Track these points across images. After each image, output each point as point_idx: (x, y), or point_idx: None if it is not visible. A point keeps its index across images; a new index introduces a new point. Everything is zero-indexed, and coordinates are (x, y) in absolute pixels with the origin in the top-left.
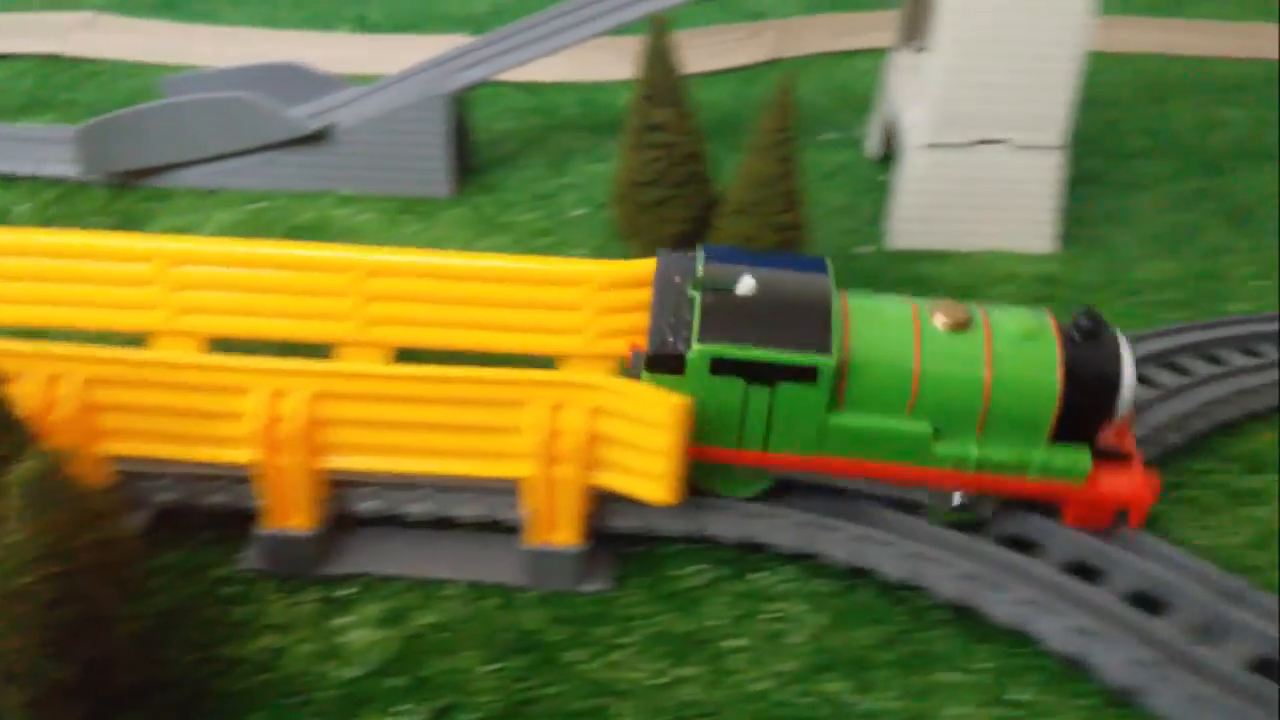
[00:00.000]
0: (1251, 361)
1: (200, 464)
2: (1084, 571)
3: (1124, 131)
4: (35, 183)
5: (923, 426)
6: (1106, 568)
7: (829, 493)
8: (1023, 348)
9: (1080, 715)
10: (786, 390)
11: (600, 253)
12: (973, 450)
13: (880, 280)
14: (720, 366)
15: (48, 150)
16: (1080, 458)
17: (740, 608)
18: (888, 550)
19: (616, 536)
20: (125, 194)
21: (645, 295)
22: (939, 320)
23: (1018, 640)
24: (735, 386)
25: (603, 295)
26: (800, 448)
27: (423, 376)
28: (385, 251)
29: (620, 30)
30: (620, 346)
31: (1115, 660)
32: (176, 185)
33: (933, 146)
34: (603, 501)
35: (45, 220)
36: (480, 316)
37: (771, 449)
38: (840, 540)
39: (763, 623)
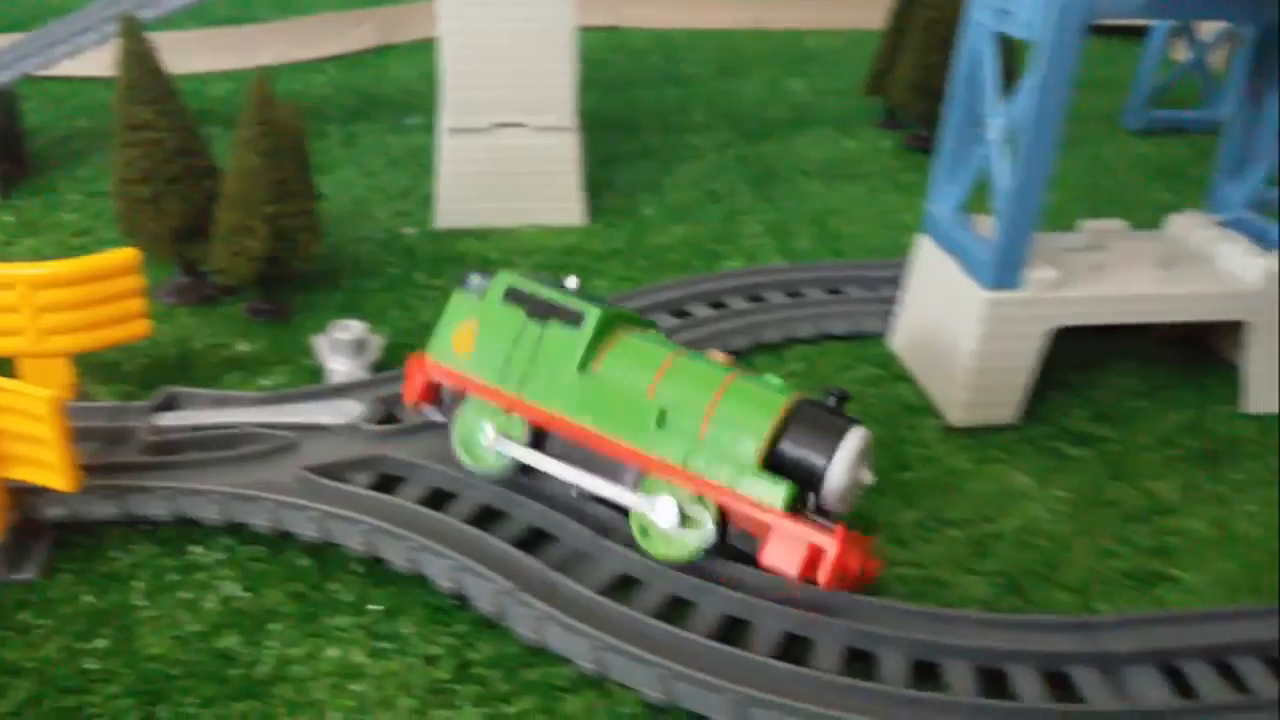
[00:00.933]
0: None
1: None
2: (490, 515)
3: (692, 107)
4: None
5: (652, 407)
6: (508, 509)
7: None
8: (761, 386)
9: (451, 640)
10: (555, 332)
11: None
12: (688, 449)
13: (418, 257)
14: (511, 295)
15: None
16: (778, 489)
17: (164, 581)
18: (303, 514)
19: (52, 526)
20: None
21: (84, 293)
22: (711, 352)
23: (415, 583)
24: (515, 317)
25: (38, 295)
26: (548, 399)
27: None
28: None
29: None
30: (66, 343)
31: (484, 591)
32: None
33: (454, 131)
34: (28, 493)
35: None
36: None
37: (526, 394)
38: (263, 509)
39: (181, 593)
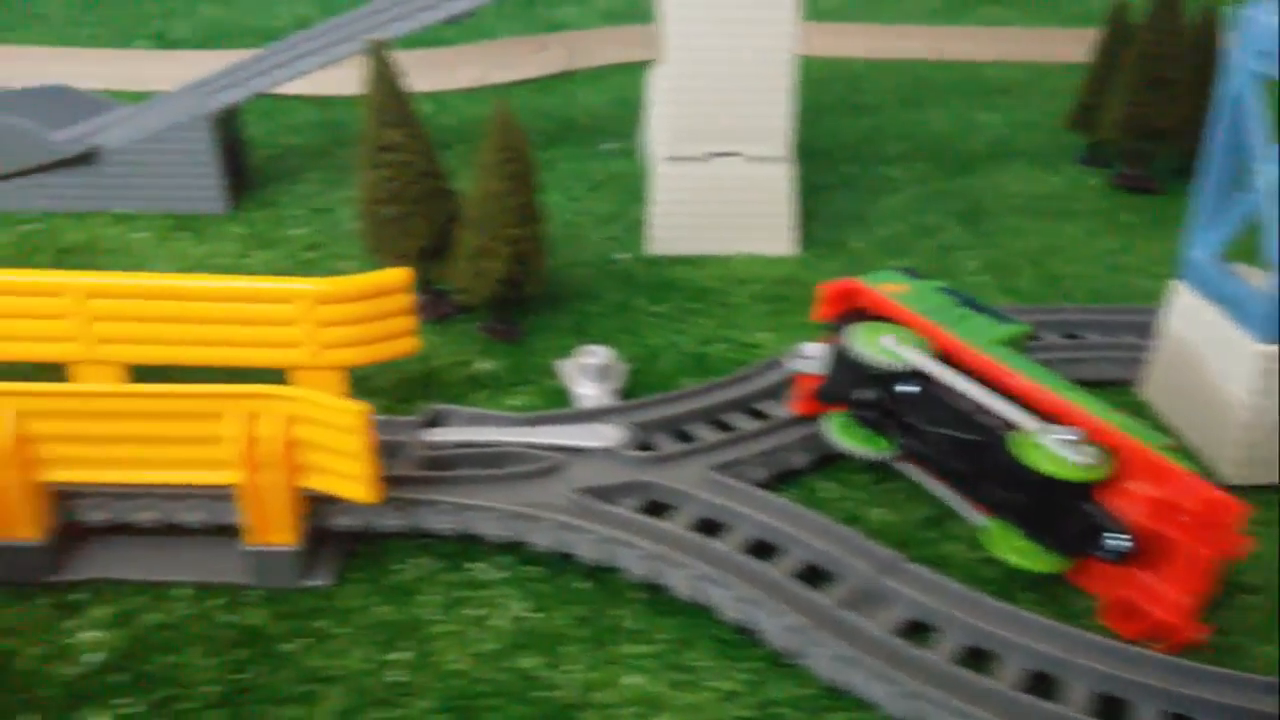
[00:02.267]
0: None
1: None
2: (763, 549)
3: (883, 138)
4: None
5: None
6: (780, 543)
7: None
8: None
9: (745, 676)
10: (981, 319)
11: (366, 265)
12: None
13: (635, 283)
14: (943, 289)
15: None
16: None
17: (451, 596)
18: (585, 536)
19: (342, 535)
20: None
21: (362, 309)
22: None
23: (698, 613)
24: (944, 299)
25: (317, 310)
26: (970, 339)
27: (124, 393)
28: (105, 274)
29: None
30: (341, 358)
31: (776, 626)
32: None
33: (672, 160)
34: (322, 502)
35: None
36: (205, 334)
37: (950, 330)
38: (545, 529)
39: (470, 609)
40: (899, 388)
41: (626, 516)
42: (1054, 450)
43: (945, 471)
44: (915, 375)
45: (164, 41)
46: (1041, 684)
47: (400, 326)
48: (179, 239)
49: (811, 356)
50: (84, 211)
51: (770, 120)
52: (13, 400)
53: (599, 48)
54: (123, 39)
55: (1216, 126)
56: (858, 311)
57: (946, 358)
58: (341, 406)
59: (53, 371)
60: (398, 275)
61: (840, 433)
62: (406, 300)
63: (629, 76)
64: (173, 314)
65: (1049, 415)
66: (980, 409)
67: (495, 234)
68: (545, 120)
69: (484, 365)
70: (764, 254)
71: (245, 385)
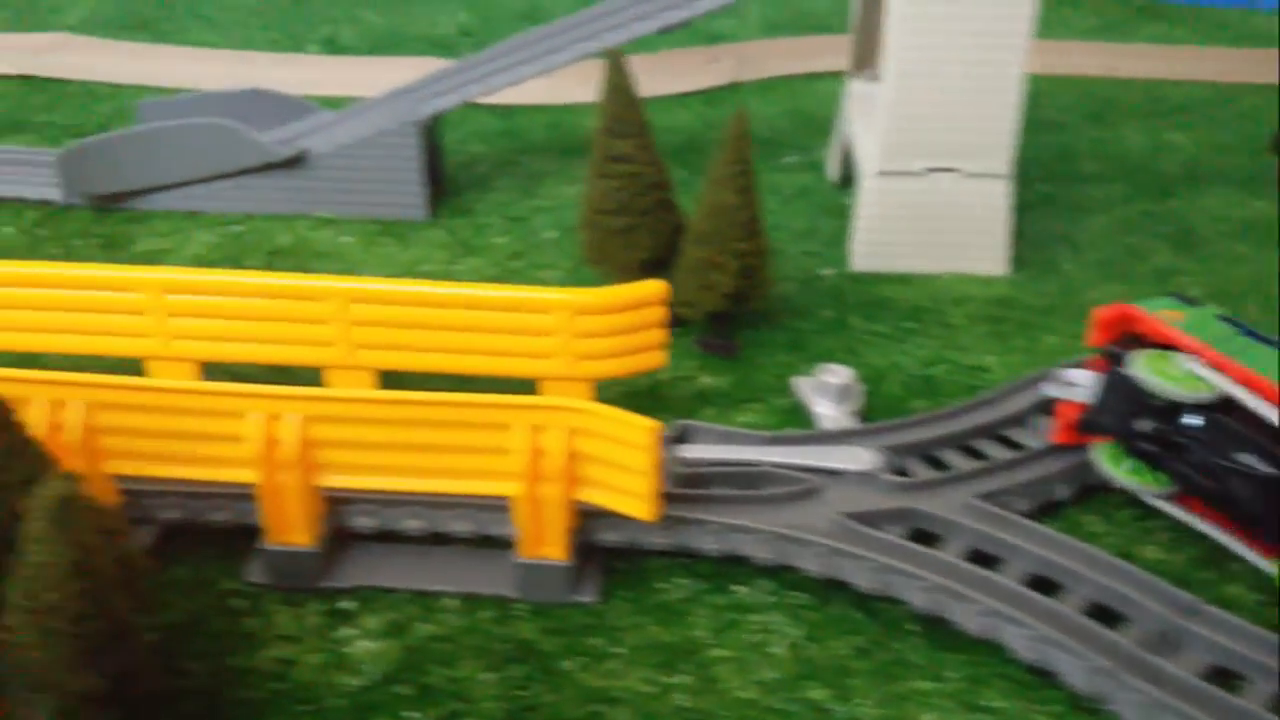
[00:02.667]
0: None
1: (201, 483)
2: (1041, 585)
3: (1076, 155)
4: (17, 205)
5: None
6: (1061, 579)
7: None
8: None
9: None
10: (1268, 350)
11: (572, 275)
12: None
13: (845, 301)
14: (1222, 318)
15: (28, 173)
16: None
17: (722, 619)
18: (859, 564)
19: (605, 551)
20: (106, 217)
21: (616, 321)
22: None
23: (985, 649)
24: (1225, 328)
25: (574, 321)
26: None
27: (411, 401)
28: (368, 280)
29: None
30: (593, 369)
31: (1078, 668)
32: (155, 208)
33: (884, 174)
34: (588, 517)
35: (32, 242)
36: (459, 341)
37: (1239, 359)
38: (815, 554)
39: (744, 634)
40: (1186, 419)
41: (900, 545)
42: None
43: (1232, 510)
44: (1204, 407)
45: (334, 47)
46: None
47: (651, 340)
48: (384, 244)
49: (1076, 383)
50: (286, 215)
51: (994, 136)
52: (300, 404)
53: (765, 59)
54: (294, 44)
55: None
56: (1133, 338)
57: (1247, 391)
58: (634, 422)
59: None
60: (654, 288)
61: (1112, 465)
62: (660, 313)
63: (799, 88)
64: (428, 321)
65: None
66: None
67: (724, 247)
68: (718, 132)
69: (707, 380)
70: (974, 273)
71: (532, 396)
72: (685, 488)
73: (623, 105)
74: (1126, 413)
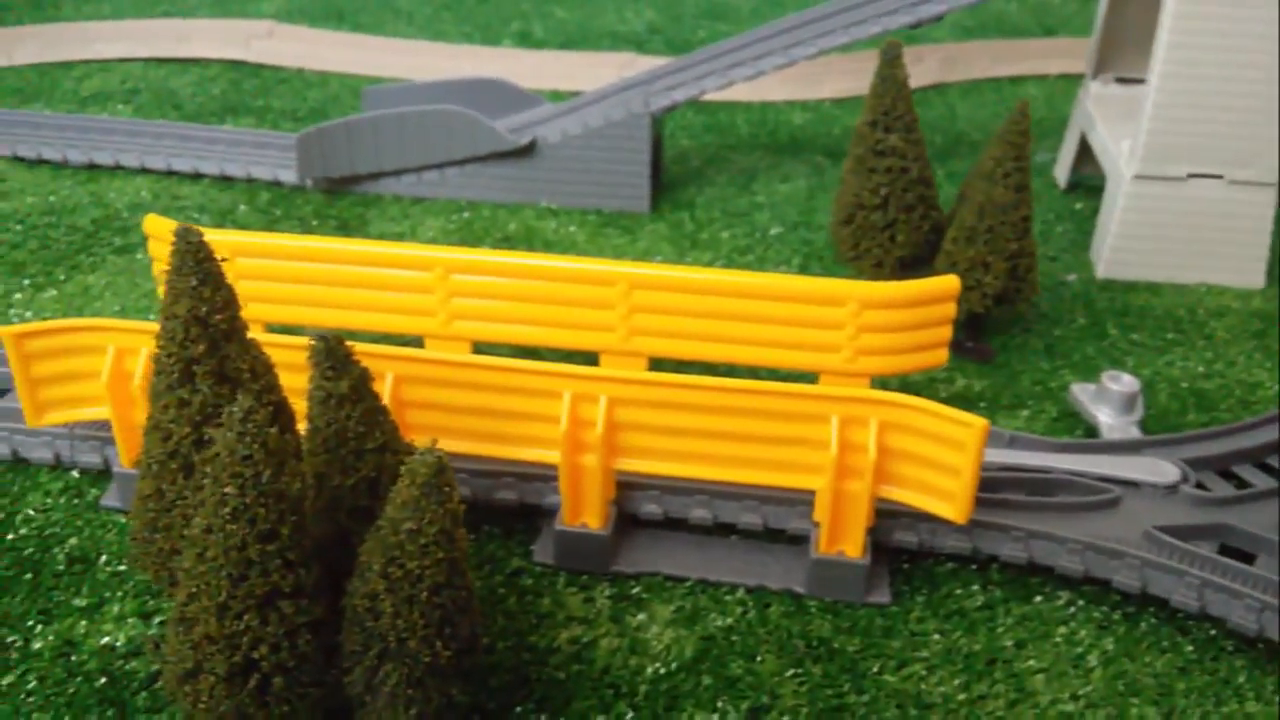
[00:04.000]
0: None
1: (490, 461)
2: None
3: None
4: (250, 185)
5: None
6: None
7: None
8: None
9: None
10: None
11: (804, 271)
12: None
13: (1096, 308)
14: None
15: (260, 155)
16: None
17: (1027, 629)
18: (1180, 580)
19: (895, 551)
20: (337, 200)
21: (905, 316)
22: None
23: None
24: None
25: (864, 315)
26: None
27: (722, 388)
28: (650, 265)
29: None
30: (875, 365)
31: None
32: (383, 193)
33: (1142, 178)
34: (884, 516)
35: (268, 221)
36: (738, 331)
37: None
38: (1128, 567)
39: (1054, 645)
40: None
41: (1220, 561)
42: None
43: None
44: None
45: (529, 41)
46: None
47: (935, 338)
48: (610, 235)
49: None
50: (513, 204)
51: (1261, 142)
52: (609, 387)
53: (967, 61)
54: (488, 37)
55: None
56: None
57: None
58: (962, 419)
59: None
60: (948, 283)
61: None
62: (950, 310)
63: (1006, 91)
64: (707, 309)
65: None
66: None
67: (995, 246)
68: (934, 134)
69: (963, 383)
70: (1229, 285)
71: (846, 388)
72: (981, 492)
73: (894, 98)
74: None
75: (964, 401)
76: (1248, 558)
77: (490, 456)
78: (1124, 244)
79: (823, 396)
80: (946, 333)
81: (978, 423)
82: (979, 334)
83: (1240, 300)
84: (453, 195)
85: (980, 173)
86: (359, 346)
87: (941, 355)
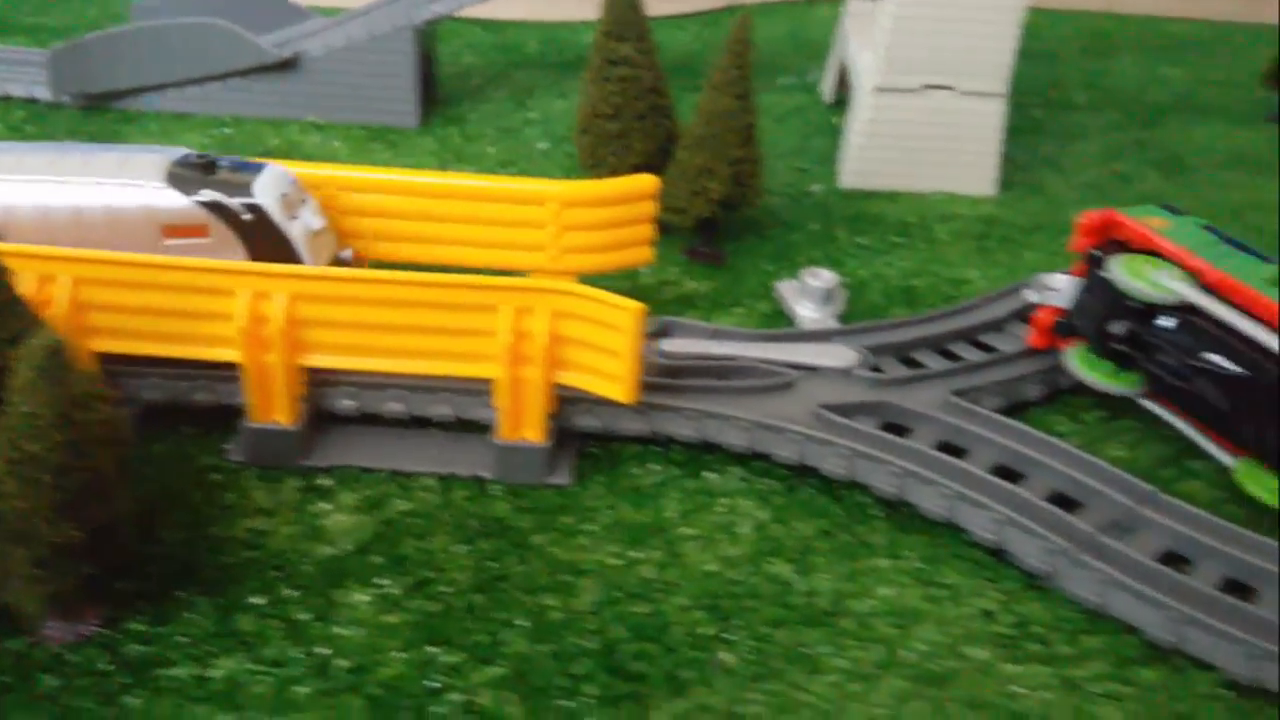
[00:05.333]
0: None
1: (183, 364)
2: (1005, 475)
3: (1067, 85)
4: (6, 103)
5: None
6: (1024, 469)
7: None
8: None
9: (999, 596)
10: (1247, 259)
11: None
12: None
13: (833, 215)
14: (1206, 228)
15: (16, 72)
16: None
17: (692, 502)
18: (830, 450)
19: (580, 436)
20: (95, 116)
21: (608, 214)
22: None
23: (945, 533)
24: (1207, 238)
25: (564, 214)
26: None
27: (398, 281)
28: (353, 169)
29: None
30: (580, 263)
31: (1033, 548)
32: (144, 109)
33: (880, 90)
34: (566, 402)
35: (20, 139)
36: (447, 232)
37: (1217, 266)
38: (788, 441)
39: (713, 515)
40: (1160, 320)
41: (871, 434)
42: None
43: (1198, 408)
44: (1177, 309)
45: None
46: None
47: (639, 235)
48: (374, 150)
49: (1055, 288)
50: (277, 119)
51: (993, 55)
52: (286, 283)
53: None
54: None
55: None
56: (1116, 244)
57: (1214, 293)
58: (618, 304)
59: None
60: (645, 181)
61: (1083, 366)
62: (650, 208)
63: (796, 12)
64: (417, 211)
65: None
66: (1250, 344)
67: (719, 153)
68: (718, 54)
69: (691, 285)
70: (962, 193)
71: (516, 279)
72: (666, 378)
73: (625, 8)
74: (1102, 315)
75: (685, 302)
76: (909, 432)
77: (178, 358)
78: (864, 155)
79: (494, 287)
80: (649, 230)
81: (633, 306)
82: (711, 239)
83: (970, 207)
84: (215, 111)
85: (708, 83)
86: (29, 249)
87: (646, 253)
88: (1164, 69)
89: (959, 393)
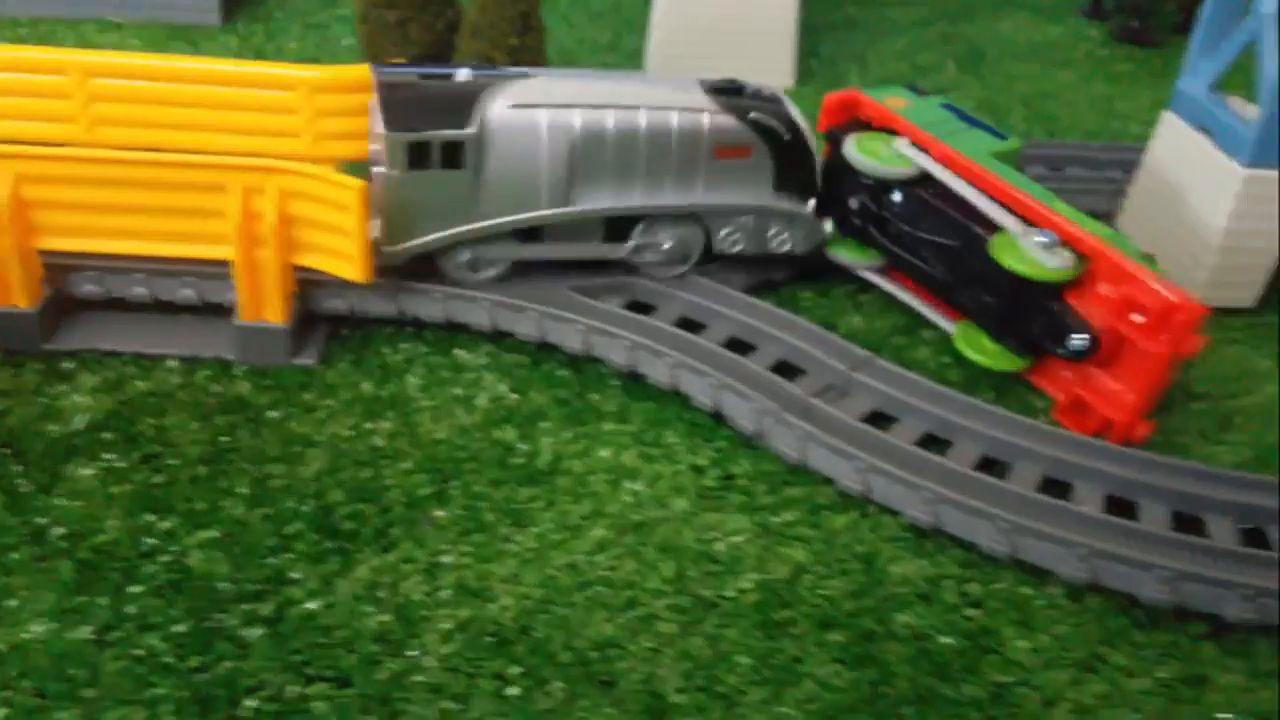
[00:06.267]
0: None
1: None
2: (737, 347)
3: None
4: None
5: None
6: (756, 342)
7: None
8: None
9: (712, 454)
10: (978, 134)
11: None
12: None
13: None
14: (944, 105)
15: None
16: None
17: (436, 378)
18: (569, 327)
19: (330, 318)
20: None
21: (360, 101)
22: None
23: (675, 401)
24: (944, 114)
25: (316, 99)
26: (963, 151)
27: (127, 160)
28: (107, 54)
29: None
30: (338, 149)
31: (745, 410)
32: None
33: None
34: (312, 285)
35: None
36: (202, 119)
37: (946, 141)
38: (529, 319)
39: (453, 389)
40: (890, 195)
41: (610, 311)
42: (1029, 252)
43: (924, 278)
44: (905, 184)
45: None
46: (993, 467)
47: None
48: (174, 49)
49: None
50: (75, 19)
51: None
52: (11, 163)
53: None
54: None
55: None
56: (860, 123)
57: (941, 167)
58: (340, 181)
59: None
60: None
61: (831, 244)
62: None
63: None
64: (174, 97)
65: (1031, 222)
66: (966, 214)
67: (496, 41)
68: None
69: None
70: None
71: (244, 159)
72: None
73: None
74: (841, 192)
75: None
76: (652, 309)
77: None
78: (664, 50)
79: (223, 166)
80: None
81: (354, 184)
82: None
83: None
84: (13, 12)
85: None
86: None
87: None
88: None
89: (703, 272)
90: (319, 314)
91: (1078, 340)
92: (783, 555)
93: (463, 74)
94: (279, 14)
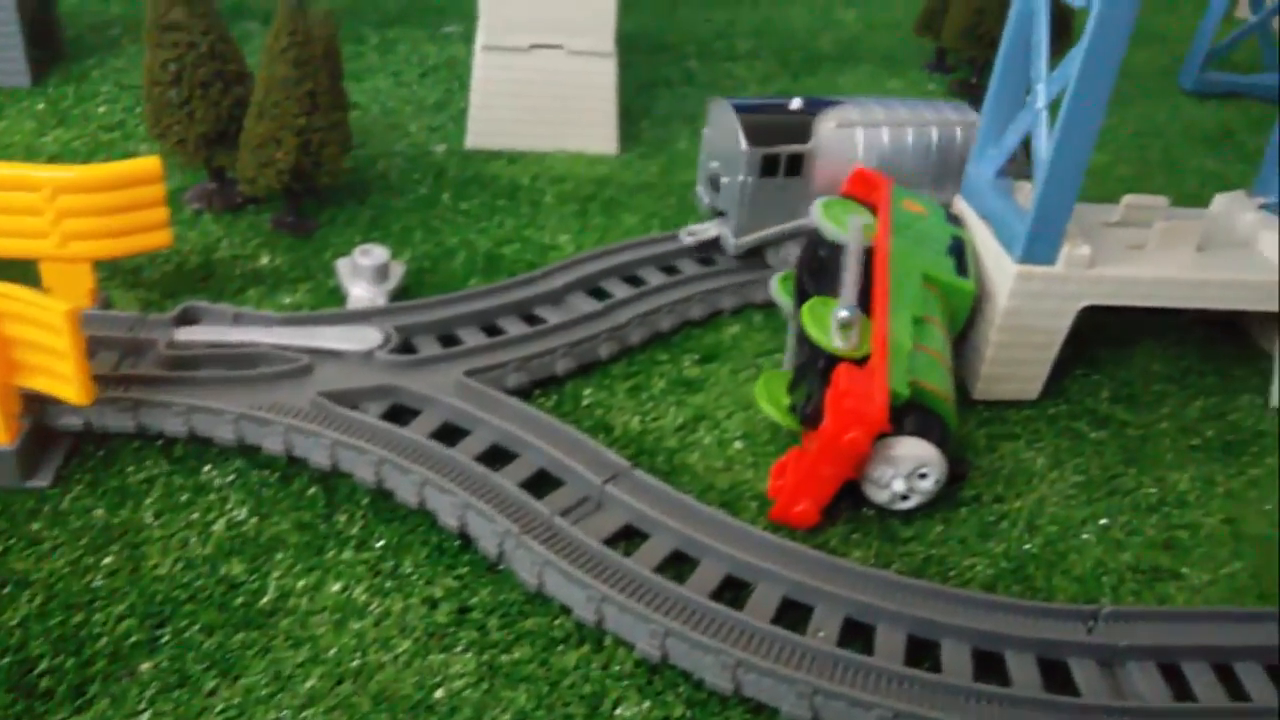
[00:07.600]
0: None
1: None
2: (500, 455)
3: (735, 33)
4: None
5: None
6: (517, 450)
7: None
8: None
9: (452, 582)
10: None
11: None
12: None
13: (446, 178)
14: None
15: None
16: None
17: (175, 501)
18: (315, 441)
19: (68, 435)
20: None
21: (107, 200)
22: None
23: (422, 520)
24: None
25: (60, 199)
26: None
27: None
28: None
29: None
30: (89, 249)
31: (487, 532)
32: None
33: (487, 49)
34: (47, 401)
35: None
36: None
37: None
38: (275, 432)
39: (191, 514)
40: (822, 251)
41: (362, 421)
42: (826, 321)
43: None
44: (830, 245)
45: None
46: (736, 589)
47: (153, 219)
48: None
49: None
50: None
51: (596, 15)
52: None
53: None
54: None
55: (1005, 43)
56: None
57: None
58: (46, 304)
59: None
60: (147, 165)
61: (780, 288)
62: (158, 191)
63: None
64: None
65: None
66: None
67: (282, 122)
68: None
69: (266, 260)
70: (586, 152)
71: None
72: (175, 370)
73: None
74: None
75: (253, 278)
76: (417, 415)
77: None
78: (483, 114)
79: None
80: (163, 213)
81: (59, 307)
82: (296, 209)
83: (588, 167)
84: None
85: (264, 50)
86: None
87: (164, 236)
88: (841, 11)
89: (478, 371)
90: (54, 431)
91: (807, 409)
92: (505, 699)
93: (795, 103)
94: (96, 73)
